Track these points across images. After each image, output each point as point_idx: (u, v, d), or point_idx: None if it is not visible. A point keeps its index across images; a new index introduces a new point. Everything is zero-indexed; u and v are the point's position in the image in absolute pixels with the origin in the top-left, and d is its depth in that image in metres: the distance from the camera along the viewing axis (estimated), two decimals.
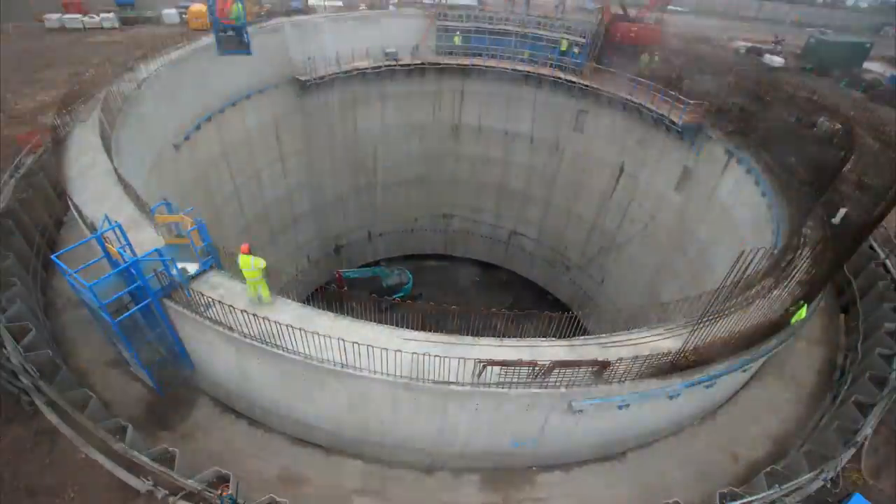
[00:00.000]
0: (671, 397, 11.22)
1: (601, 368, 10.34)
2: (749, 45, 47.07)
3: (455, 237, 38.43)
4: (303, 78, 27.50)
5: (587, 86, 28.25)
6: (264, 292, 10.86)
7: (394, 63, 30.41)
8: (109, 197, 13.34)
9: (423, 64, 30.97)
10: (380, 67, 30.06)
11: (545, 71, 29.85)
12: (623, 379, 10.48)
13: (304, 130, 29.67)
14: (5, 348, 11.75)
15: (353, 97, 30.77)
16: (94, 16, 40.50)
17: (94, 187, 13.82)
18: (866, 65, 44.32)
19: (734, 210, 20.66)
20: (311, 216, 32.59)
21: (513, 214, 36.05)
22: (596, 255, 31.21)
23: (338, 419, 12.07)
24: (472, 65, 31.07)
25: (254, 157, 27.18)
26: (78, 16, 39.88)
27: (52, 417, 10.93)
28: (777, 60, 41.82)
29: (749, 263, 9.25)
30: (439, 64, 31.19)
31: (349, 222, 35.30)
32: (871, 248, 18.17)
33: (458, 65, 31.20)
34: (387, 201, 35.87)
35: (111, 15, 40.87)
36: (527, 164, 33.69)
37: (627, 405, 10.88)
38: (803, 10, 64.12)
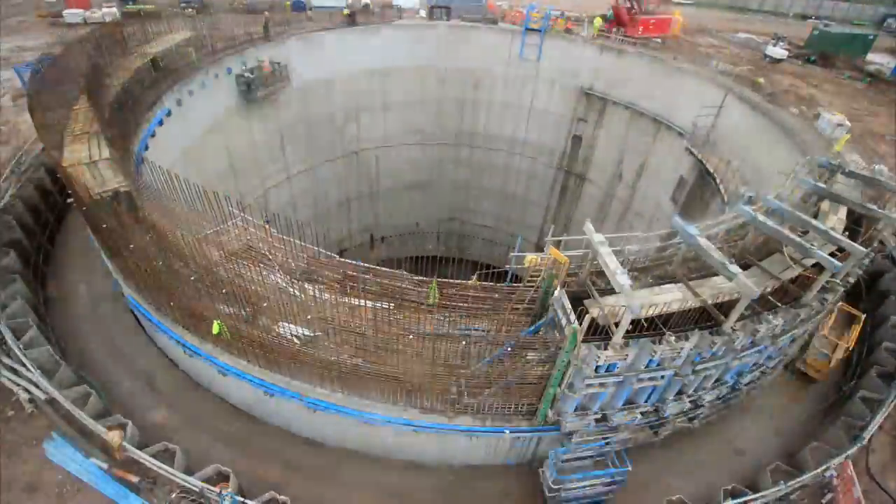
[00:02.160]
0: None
1: None
2: (750, 37, 46.66)
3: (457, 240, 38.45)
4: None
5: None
6: None
7: None
8: None
9: None
10: None
11: None
12: None
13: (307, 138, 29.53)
14: (6, 345, 11.70)
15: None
16: (97, 10, 40.05)
17: None
18: (870, 56, 43.91)
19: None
20: (313, 221, 32.29)
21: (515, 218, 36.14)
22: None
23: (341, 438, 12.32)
24: None
25: (259, 164, 26.97)
26: (79, 11, 39.49)
27: (52, 414, 10.87)
28: (779, 52, 41.44)
29: None
30: None
31: (352, 225, 35.24)
32: (880, 241, 17.83)
33: None
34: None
35: (113, 9, 40.41)
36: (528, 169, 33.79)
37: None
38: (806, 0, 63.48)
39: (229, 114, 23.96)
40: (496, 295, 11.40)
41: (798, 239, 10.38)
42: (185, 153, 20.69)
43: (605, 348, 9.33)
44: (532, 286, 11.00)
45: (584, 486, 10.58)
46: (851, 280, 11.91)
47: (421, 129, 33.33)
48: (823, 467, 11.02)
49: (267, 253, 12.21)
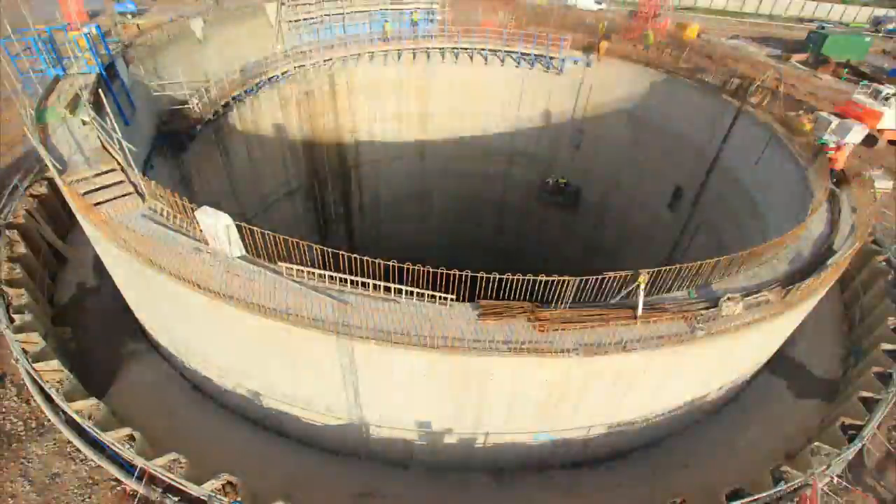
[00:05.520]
0: None
1: None
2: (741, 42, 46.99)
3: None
4: None
5: None
6: None
7: None
8: None
9: None
10: None
11: None
12: None
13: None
14: (14, 359, 11.87)
15: None
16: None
17: None
18: (867, 58, 44.23)
19: None
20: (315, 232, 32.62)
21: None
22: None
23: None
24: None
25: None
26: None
27: (62, 427, 11.04)
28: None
29: None
30: None
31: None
32: (875, 242, 17.99)
33: None
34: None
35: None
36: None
37: None
38: (804, 3, 63.92)
39: None
40: None
41: None
42: None
43: None
44: None
45: None
46: None
47: None
48: (823, 467, 11.11)
49: None
